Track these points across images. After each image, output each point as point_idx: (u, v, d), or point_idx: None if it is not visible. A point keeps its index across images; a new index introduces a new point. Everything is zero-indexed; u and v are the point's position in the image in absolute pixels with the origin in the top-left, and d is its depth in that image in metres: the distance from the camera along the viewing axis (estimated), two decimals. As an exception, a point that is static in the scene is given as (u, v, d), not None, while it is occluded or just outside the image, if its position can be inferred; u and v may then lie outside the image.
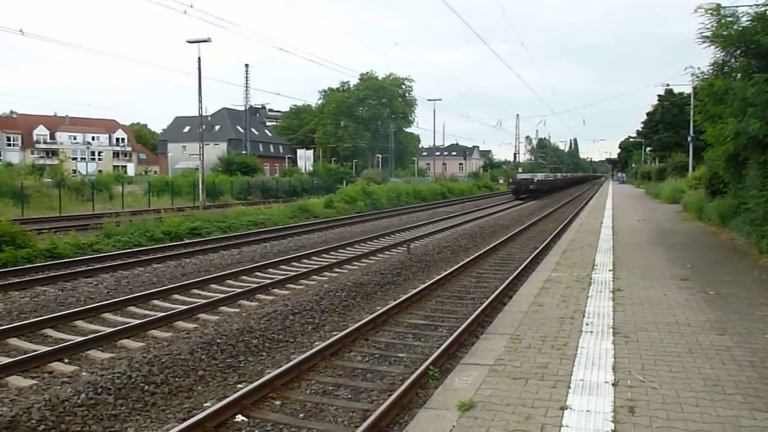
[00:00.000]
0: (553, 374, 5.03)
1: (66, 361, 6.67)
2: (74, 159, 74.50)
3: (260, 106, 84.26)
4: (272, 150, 79.84)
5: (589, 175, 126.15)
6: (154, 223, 17.80)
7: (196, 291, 10.36)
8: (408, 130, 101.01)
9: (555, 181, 58.12)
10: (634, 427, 3.98)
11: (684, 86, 48.20)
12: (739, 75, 11.06)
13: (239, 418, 5.32)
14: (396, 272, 12.22)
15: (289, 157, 79.91)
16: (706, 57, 52.19)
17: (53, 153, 75.46)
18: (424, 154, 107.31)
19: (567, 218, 23.95)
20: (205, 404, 5.75)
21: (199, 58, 32.73)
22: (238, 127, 73.19)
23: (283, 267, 12.78)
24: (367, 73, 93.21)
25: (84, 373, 6.15)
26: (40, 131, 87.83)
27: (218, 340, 7.29)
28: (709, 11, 11.14)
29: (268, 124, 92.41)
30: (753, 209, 11.57)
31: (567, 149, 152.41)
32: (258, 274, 11.97)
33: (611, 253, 12.08)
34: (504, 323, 6.81)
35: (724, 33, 10.64)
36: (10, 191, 27.59)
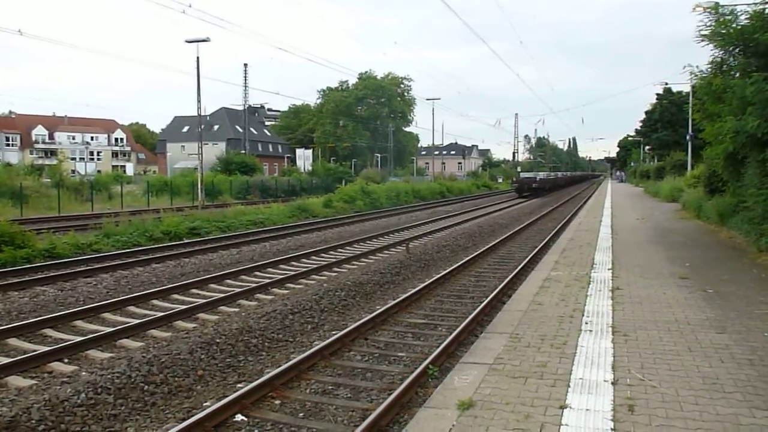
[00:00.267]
0: (552, 373, 5.04)
1: (65, 361, 6.67)
2: (73, 159, 74.23)
3: (259, 106, 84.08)
4: (271, 149, 79.78)
5: (588, 174, 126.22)
6: (153, 223, 17.80)
7: (195, 291, 10.36)
8: (407, 129, 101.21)
9: (555, 179, 59.51)
10: (634, 425, 3.98)
11: (683, 85, 48.51)
12: (737, 73, 11.07)
13: (239, 417, 5.32)
14: (395, 271, 12.22)
15: (288, 157, 79.90)
16: (704, 55, 52.36)
17: (52, 153, 75.38)
18: (423, 153, 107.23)
19: (566, 217, 23.94)
20: (204, 404, 5.75)
21: (198, 58, 32.79)
22: (237, 127, 73.17)
23: (282, 266, 12.78)
24: (366, 72, 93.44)
25: (84, 373, 6.15)
26: (39, 131, 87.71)
27: (218, 340, 7.30)
28: (708, 10, 11.11)
29: (267, 123, 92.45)
30: (752, 207, 11.58)
31: (566, 148, 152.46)
32: (257, 273, 11.97)
33: (610, 251, 12.09)
34: (503, 322, 6.81)
35: (723, 31, 10.63)
36: (9, 191, 27.54)
